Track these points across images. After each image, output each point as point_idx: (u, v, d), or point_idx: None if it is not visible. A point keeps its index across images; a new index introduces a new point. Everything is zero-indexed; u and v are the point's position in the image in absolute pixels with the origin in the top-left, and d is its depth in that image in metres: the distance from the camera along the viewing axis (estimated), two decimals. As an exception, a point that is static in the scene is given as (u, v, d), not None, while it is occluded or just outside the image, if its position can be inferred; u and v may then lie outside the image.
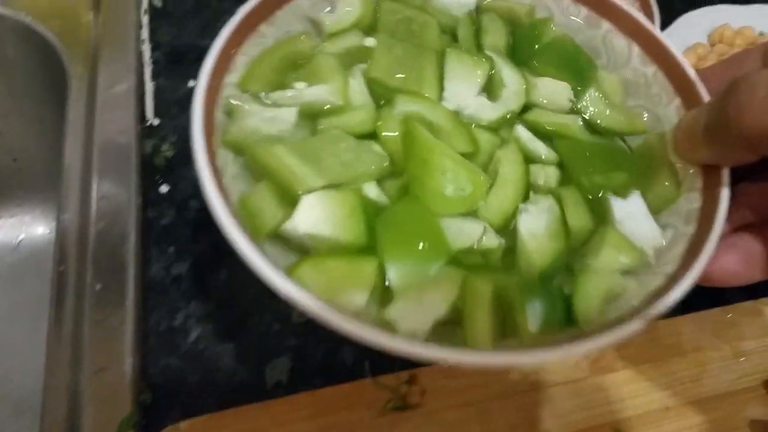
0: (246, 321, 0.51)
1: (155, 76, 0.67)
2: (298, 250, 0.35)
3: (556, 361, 0.30)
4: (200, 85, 0.36)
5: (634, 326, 0.30)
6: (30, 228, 0.85)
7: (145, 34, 0.69)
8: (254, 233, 0.32)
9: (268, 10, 0.41)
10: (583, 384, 0.50)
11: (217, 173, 0.33)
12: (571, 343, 0.29)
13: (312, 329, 0.51)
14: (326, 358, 0.50)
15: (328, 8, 0.44)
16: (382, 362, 0.49)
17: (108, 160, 0.57)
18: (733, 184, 0.36)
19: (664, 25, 0.73)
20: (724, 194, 0.35)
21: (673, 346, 0.53)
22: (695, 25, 0.75)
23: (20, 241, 0.85)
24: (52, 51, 0.68)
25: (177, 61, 0.68)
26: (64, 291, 0.50)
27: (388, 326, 0.31)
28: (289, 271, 0.32)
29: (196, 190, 0.58)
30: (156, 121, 0.62)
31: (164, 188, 0.58)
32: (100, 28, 0.68)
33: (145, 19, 0.71)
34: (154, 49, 0.69)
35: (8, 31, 0.70)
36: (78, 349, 0.46)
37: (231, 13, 0.73)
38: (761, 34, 0.76)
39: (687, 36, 0.73)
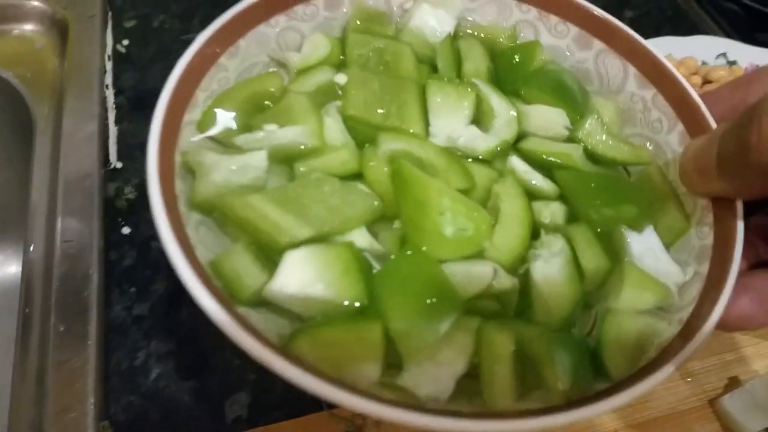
0: (206, 358, 0.52)
1: (119, 120, 0.69)
2: (286, 315, 0.31)
3: (589, 418, 0.28)
4: (156, 121, 0.32)
5: (664, 374, 0.27)
6: (2, 267, 0.87)
7: (108, 79, 0.72)
8: (233, 300, 0.29)
9: (229, 38, 0.38)
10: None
11: (180, 231, 0.30)
12: (604, 399, 0.27)
13: (271, 363, 0.53)
14: (285, 390, 0.51)
15: (297, 36, 0.41)
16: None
17: (72, 202, 0.59)
18: (745, 217, 0.33)
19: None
20: (739, 230, 0.32)
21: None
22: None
23: (-8, 280, 0.86)
24: (18, 96, 0.70)
25: (140, 105, 0.71)
26: (29, 332, 0.52)
27: (407, 395, 0.29)
28: (287, 346, 0.28)
29: (155, 232, 0.60)
30: (119, 165, 0.65)
31: (126, 230, 0.60)
32: (66, 74, 0.70)
33: (109, 65, 0.73)
34: (117, 94, 0.71)
35: (-26, 79, 0.72)
36: (42, 389, 0.48)
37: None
38: (703, 63, 0.80)
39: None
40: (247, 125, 0.37)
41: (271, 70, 0.40)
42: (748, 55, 0.82)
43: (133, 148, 0.66)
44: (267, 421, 0.49)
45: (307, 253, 0.30)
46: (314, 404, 0.50)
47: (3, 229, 0.86)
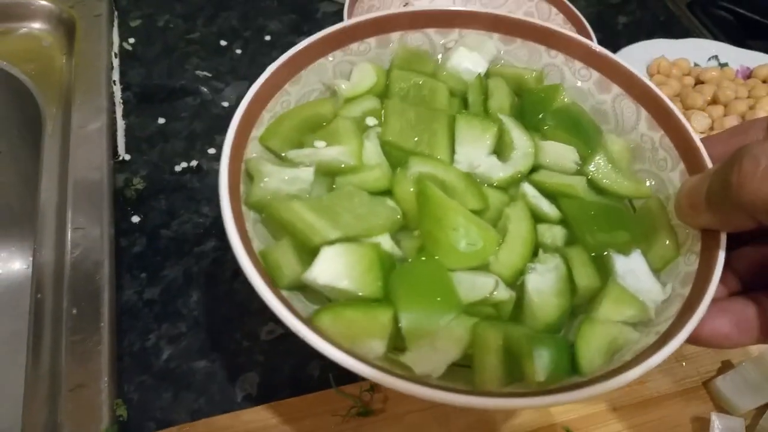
0: (216, 340, 0.55)
1: (126, 114, 0.72)
2: (317, 299, 0.37)
3: (558, 404, 0.32)
4: (229, 136, 0.38)
5: (628, 378, 0.32)
6: (7, 264, 0.89)
7: (116, 75, 0.75)
8: (279, 285, 0.35)
9: (293, 69, 0.44)
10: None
11: (242, 228, 0.36)
12: (573, 390, 0.31)
13: (279, 346, 0.55)
14: (293, 372, 0.54)
15: (350, 66, 0.47)
16: (347, 374, 0.53)
17: (82, 194, 0.61)
18: (733, 249, 0.38)
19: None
20: (720, 259, 0.36)
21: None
22: (635, 58, 0.82)
23: (-3, 276, 0.88)
24: (27, 93, 0.72)
25: (147, 100, 0.73)
26: (41, 316, 0.54)
27: (404, 368, 0.34)
28: (311, 320, 0.34)
29: (166, 220, 0.62)
30: (127, 157, 0.67)
31: (135, 218, 0.62)
32: (73, 71, 0.73)
33: (115, 62, 0.76)
34: (124, 90, 0.74)
35: (-15, 76, 0.74)
36: (56, 368, 0.50)
37: (197, 56, 0.80)
38: (696, 65, 0.84)
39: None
40: (299, 142, 0.43)
41: (325, 95, 0.46)
42: (739, 58, 0.86)
43: (140, 141, 0.69)
44: (276, 399, 0.51)
45: (340, 250, 0.36)
46: (321, 383, 0.53)
47: (8, 227, 0.88)
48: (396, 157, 0.43)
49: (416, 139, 0.43)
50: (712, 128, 0.73)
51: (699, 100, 0.75)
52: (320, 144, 0.42)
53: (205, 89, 0.76)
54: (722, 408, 0.55)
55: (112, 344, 0.52)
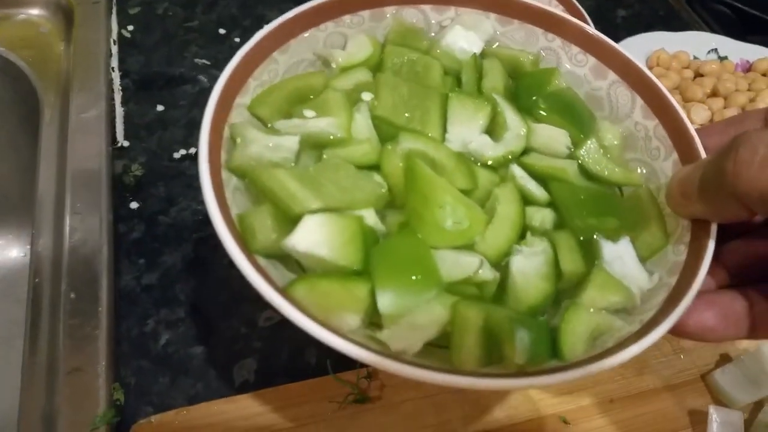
0: (214, 326, 0.55)
1: (125, 101, 0.72)
2: (295, 268, 0.37)
3: (536, 387, 0.33)
4: (212, 100, 0.37)
5: (608, 364, 0.31)
6: (4, 251, 0.89)
7: (114, 62, 0.75)
8: (250, 249, 0.35)
9: (282, 38, 0.43)
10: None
11: (219, 190, 0.35)
12: (552, 373, 0.31)
13: (277, 332, 0.55)
14: (291, 358, 0.54)
15: (342, 38, 0.46)
16: (345, 361, 0.53)
17: (80, 180, 0.62)
18: (723, 242, 0.37)
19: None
20: (709, 249, 0.36)
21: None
22: (634, 51, 0.82)
23: (-6, 265, 0.89)
24: (25, 80, 0.73)
25: (145, 87, 0.74)
26: (39, 300, 0.54)
27: (380, 344, 0.34)
28: (286, 289, 0.34)
29: (164, 206, 0.63)
30: (126, 143, 0.67)
31: (134, 204, 0.62)
32: (72, 58, 0.73)
33: (114, 49, 0.76)
34: (123, 77, 0.74)
35: (-18, 62, 0.75)
36: (53, 352, 0.50)
37: (196, 44, 0.80)
38: (695, 58, 0.84)
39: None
40: (288, 112, 0.42)
41: (315, 67, 0.46)
42: (738, 52, 0.86)
43: (139, 128, 0.69)
44: (273, 385, 0.51)
45: (322, 220, 0.35)
46: (318, 370, 0.53)
47: (6, 214, 0.89)
48: (386, 132, 0.42)
49: (408, 115, 0.43)
50: (711, 120, 0.74)
51: (699, 92, 0.76)
52: (309, 114, 0.42)
53: (204, 77, 0.76)
54: (720, 401, 0.56)
55: (110, 329, 0.52)
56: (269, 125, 0.42)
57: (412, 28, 0.49)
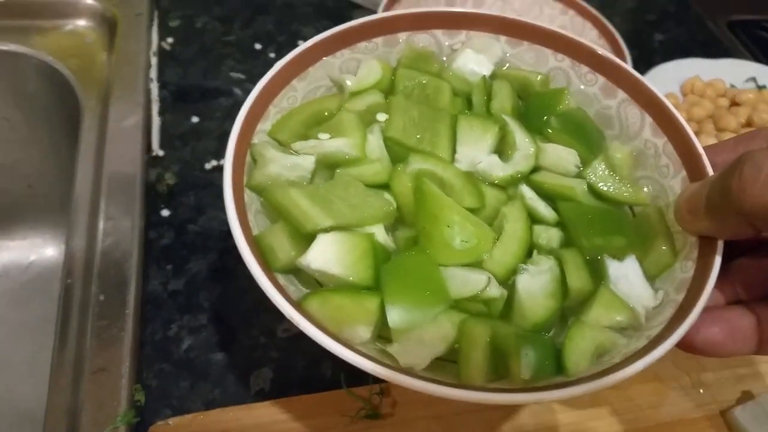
0: (234, 334, 0.57)
1: (161, 111, 0.75)
2: (310, 284, 0.39)
3: (541, 401, 0.36)
4: (235, 128, 0.41)
5: (613, 380, 0.33)
6: (41, 250, 0.93)
7: (153, 73, 0.78)
8: (272, 268, 0.37)
9: (301, 66, 0.47)
10: (546, 405, 0.56)
11: (242, 211, 0.38)
12: (557, 389, 0.33)
13: (294, 344, 0.57)
14: (306, 370, 0.56)
15: (356, 63, 0.49)
16: (358, 376, 0.55)
17: (115, 186, 0.65)
18: (731, 259, 0.39)
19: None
20: (715, 265, 0.37)
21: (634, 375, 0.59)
22: (668, 77, 0.83)
23: (31, 263, 0.93)
24: (68, 87, 0.76)
25: (182, 99, 0.77)
26: (70, 300, 0.57)
27: (389, 358, 0.36)
28: (300, 302, 0.36)
29: (193, 215, 0.65)
30: (161, 153, 0.70)
31: (165, 212, 0.65)
32: (113, 68, 0.76)
33: (154, 61, 0.80)
34: (161, 88, 0.77)
35: (31, 69, 0.79)
36: (81, 351, 0.53)
37: (233, 58, 0.83)
38: (732, 86, 0.84)
39: (660, 86, 0.81)
40: (305, 135, 0.45)
41: (332, 91, 0.49)
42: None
43: (174, 138, 0.72)
44: (287, 395, 0.53)
45: (335, 238, 0.38)
46: (332, 383, 0.54)
47: (44, 214, 0.93)
48: (398, 152, 0.45)
49: (418, 136, 0.45)
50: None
51: (733, 122, 0.75)
52: (324, 136, 0.44)
53: (239, 91, 0.79)
54: (739, 439, 0.56)
55: (135, 331, 0.55)
56: (289, 147, 0.44)
57: (423, 52, 0.51)
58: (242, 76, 0.81)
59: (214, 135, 0.73)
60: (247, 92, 0.78)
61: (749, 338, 0.37)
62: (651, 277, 0.41)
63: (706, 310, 0.36)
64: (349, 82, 0.48)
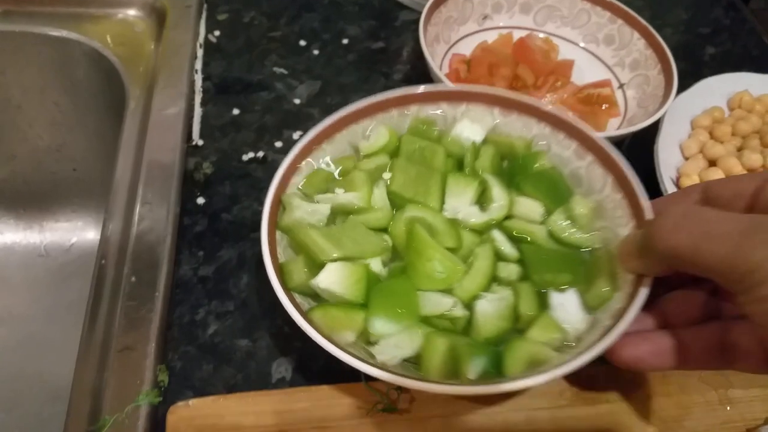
0: (259, 322, 0.59)
1: (204, 103, 0.77)
2: (317, 300, 0.51)
3: (480, 393, 0.48)
4: (274, 181, 0.53)
5: (540, 379, 0.43)
6: (82, 233, 0.97)
7: (198, 65, 0.81)
8: (288, 287, 0.49)
9: (330, 132, 0.58)
10: (566, 411, 0.56)
11: (273, 243, 0.51)
12: (494, 384, 0.44)
13: (318, 336, 0.58)
14: (327, 362, 0.56)
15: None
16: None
17: (154, 172, 0.67)
18: (665, 293, 0.49)
19: (685, 87, 0.80)
20: (640, 296, 0.46)
21: (658, 386, 0.59)
22: (715, 90, 0.81)
23: (72, 245, 0.97)
24: (116, 74, 0.79)
25: (224, 91, 0.79)
26: (103, 280, 0.59)
27: (370, 355, 0.48)
28: (307, 312, 0.49)
29: (228, 204, 0.67)
30: (200, 142, 0.73)
31: (201, 200, 0.67)
32: (160, 57, 0.79)
33: (199, 52, 0.82)
34: (205, 79, 0.80)
35: (81, 55, 0.82)
36: (109, 330, 0.55)
37: (277, 53, 0.84)
38: (782, 103, 0.82)
39: (706, 99, 0.80)
40: (325, 189, 0.57)
41: (350, 151, 0.61)
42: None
43: (214, 129, 0.74)
44: (308, 385, 0.54)
45: (340, 266, 0.50)
46: (352, 377, 0.55)
47: (87, 198, 0.96)
48: (398, 203, 0.56)
49: (414, 190, 0.56)
50: (788, 170, 0.72)
51: (779, 139, 0.74)
52: (340, 190, 0.56)
53: (280, 85, 0.81)
54: (765, 458, 0.55)
55: (163, 314, 0.57)
56: (311, 198, 0.56)
57: (426, 120, 0.62)
58: (285, 71, 0.83)
59: (252, 127, 0.75)
60: (289, 87, 0.81)
61: (668, 356, 0.46)
62: (592, 308, 0.50)
63: (637, 332, 0.46)
64: (361, 145, 0.60)
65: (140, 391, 0.52)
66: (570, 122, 0.58)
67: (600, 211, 0.56)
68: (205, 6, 0.88)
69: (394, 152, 0.60)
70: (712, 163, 0.73)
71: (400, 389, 0.54)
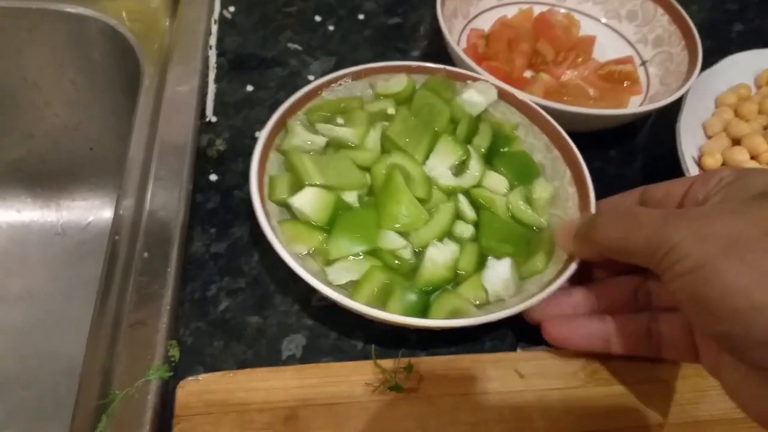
0: (270, 299, 0.59)
1: (218, 79, 0.77)
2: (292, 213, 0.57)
3: (393, 322, 0.50)
4: (285, 104, 0.61)
5: (450, 323, 0.51)
6: (99, 211, 0.98)
7: (213, 41, 0.81)
8: (270, 198, 0.56)
9: (358, 75, 0.66)
10: (579, 392, 0.56)
11: (263, 162, 0.57)
12: (409, 317, 0.50)
13: (328, 315, 0.58)
14: (338, 340, 0.57)
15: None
16: (388, 349, 0.56)
17: (167, 148, 0.67)
18: (602, 279, 0.57)
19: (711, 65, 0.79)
20: (567, 272, 0.53)
21: (674, 369, 0.58)
22: (742, 67, 0.79)
23: (89, 223, 0.98)
24: (131, 51, 0.80)
25: (238, 67, 0.79)
26: (116, 256, 0.60)
27: (322, 273, 0.53)
28: (279, 223, 0.55)
29: (241, 182, 0.68)
30: (214, 119, 0.73)
31: (213, 177, 0.68)
32: (175, 34, 0.79)
33: (214, 28, 0.82)
34: (219, 56, 0.80)
35: (96, 32, 0.82)
36: (121, 305, 0.56)
37: (291, 29, 0.84)
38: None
39: (732, 77, 0.78)
40: (329, 118, 0.64)
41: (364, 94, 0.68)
42: None
43: (228, 106, 0.74)
44: (317, 362, 0.54)
45: (314, 191, 0.56)
46: (362, 355, 0.56)
47: (103, 177, 0.97)
48: (388, 147, 0.62)
49: (407, 140, 0.61)
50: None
51: (806, 117, 0.72)
52: (340, 122, 0.63)
53: (294, 62, 0.81)
54: (778, 441, 0.54)
55: (175, 290, 0.57)
56: (315, 125, 0.63)
57: (444, 81, 0.68)
58: (299, 47, 0.82)
59: (266, 104, 0.75)
60: (303, 63, 0.81)
61: (597, 339, 0.54)
62: (523, 278, 0.57)
63: (570, 316, 0.55)
64: (379, 85, 0.67)
65: (151, 366, 0.52)
66: (544, 119, 0.66)
67: (555, 199, 0.63)
68: (218, -18, 0.88)
69: (405, 101, 0.66)
70: (737, 141, 0.71)
71: (410, 368, 0.54)
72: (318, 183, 0.57)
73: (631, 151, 0.79)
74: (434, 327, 0.52)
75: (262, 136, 0.57)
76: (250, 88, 0.77)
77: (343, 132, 0.61)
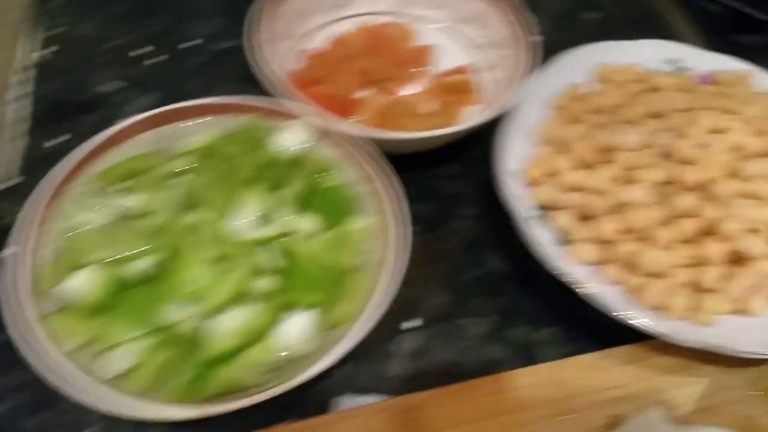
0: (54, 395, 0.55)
1: (31, 131, 0.74)
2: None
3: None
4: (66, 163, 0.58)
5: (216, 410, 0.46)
6: None
7: (28, 88, 0.76)
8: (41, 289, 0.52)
9: (145, 126, 0.62)
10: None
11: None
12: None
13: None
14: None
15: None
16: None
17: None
18: None
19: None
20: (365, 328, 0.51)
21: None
22: (580, 62, 0.77)
23: None
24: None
25: (53, 115, 0.75)
26: None
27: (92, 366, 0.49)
28: (46, 320, 0.50)
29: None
30: (16, 181, 0.69)
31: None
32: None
33: (25, 75, 0.78)
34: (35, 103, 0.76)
35: None
36: None
37: (112, 65, 0.79)
38: (656, 70, 0.78)
39: (572, 72, 0.76)
40: (124, 181, 0.60)
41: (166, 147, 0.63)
42: (706, 63, 0.80)
43: (38, 161, 0.71)
44: None
45: (90, 271, 0.51)
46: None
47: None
48: (189, 203, 0.57)
49: (208, 194, 0.57)
50: (648, 145, 0.68)
51: (639, 111, 0.70)
52: (132, 188, 0.59)
53: (118, 99, 0.78)
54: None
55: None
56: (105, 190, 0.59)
57: (256, 123, 0.64)
58: (125, 84, 0.79)
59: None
60: (126, 102, 0.77)
61: None
62: (327, 329, 0.53)
63: None
64: (174, 145, 0.63)
65: None
66: (365, 150, 0.63)
67: (371, 234, 0.59)
68: (35, 22, 0.83)
69: (209, 154, 0.62)
70: (566, 146, 0.69)
71: None
72: (92, 260, 0.52)
73: (470, 165, 0.76)
74: (194, 418, 0.47)
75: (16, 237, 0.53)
76: (65, 137, 0.73)
77: (130, 201, 0.57)
